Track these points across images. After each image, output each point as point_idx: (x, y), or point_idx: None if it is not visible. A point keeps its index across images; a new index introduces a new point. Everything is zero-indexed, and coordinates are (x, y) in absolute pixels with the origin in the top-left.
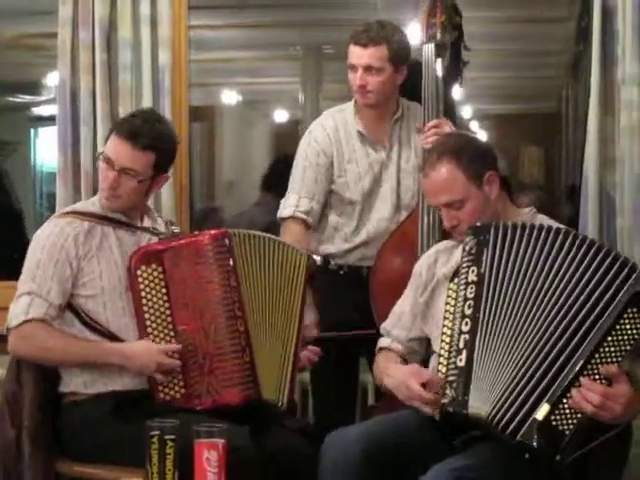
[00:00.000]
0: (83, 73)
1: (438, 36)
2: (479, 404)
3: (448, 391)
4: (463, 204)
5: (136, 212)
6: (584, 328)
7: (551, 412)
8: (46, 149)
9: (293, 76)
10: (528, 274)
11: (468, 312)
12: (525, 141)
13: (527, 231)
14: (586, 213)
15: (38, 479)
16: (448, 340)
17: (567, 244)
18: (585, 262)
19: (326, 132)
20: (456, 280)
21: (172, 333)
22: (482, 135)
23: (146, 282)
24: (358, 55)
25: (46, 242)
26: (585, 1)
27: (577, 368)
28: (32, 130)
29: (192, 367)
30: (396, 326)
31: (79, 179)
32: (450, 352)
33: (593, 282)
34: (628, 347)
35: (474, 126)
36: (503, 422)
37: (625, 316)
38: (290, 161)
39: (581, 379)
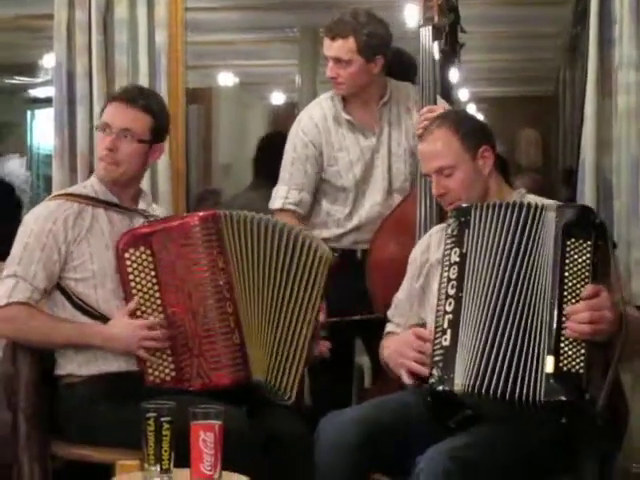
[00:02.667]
0: (79, 54)
1: (435, 19)
2: (465, 381)
3: (435, 371)
4: (454, 172)
5: (129, 194)
6: (548, 280)
7: (557, 360)
8: (43, 131)
9: (290, 58)
10: (502, 250)
11: (451, 292)
12: (522, 124)
13: (502, 210)
14: (583, 195)
15: (34, 461)
16: (435, 321)
17: (522, 216)
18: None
19: (314, 122)
20: (442, 263)
21: (161, 315)
22: (479, 118)
23: (134, 265)
24: (327, 47)
25: (34, 226)
26: None
27: (555, 312)
28: (29, 112)
29: (181, 349)
30: (396, 314)
31: (75, 160)
32: (436, 332)
33: (531, 241)
34: (587, 273)
35: (471, 109)
36: (504, 391)
37: (568, 249)
38: (275, 141)
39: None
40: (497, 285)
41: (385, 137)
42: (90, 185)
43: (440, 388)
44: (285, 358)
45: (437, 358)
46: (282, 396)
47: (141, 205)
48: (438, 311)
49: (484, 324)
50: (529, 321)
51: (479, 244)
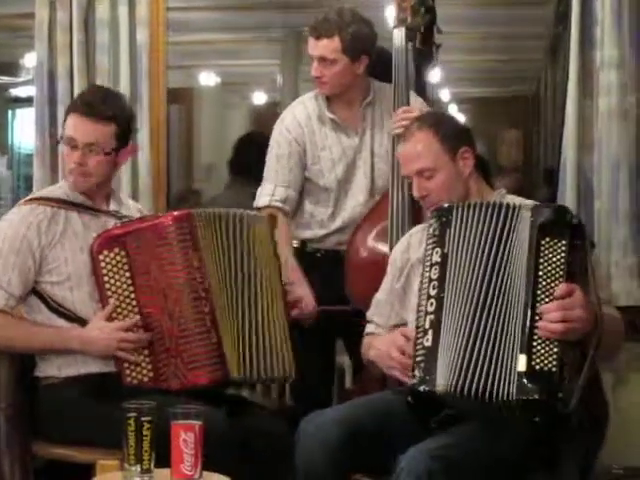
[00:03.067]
0: (61, 54)
1: (408, 20)
2: (446, 381)
3: (416, 372)
4: (434, 174)
5: (101, 195)
6: (523, 279)
7: (529, 359)
8: (24, 131)
9: (272, 58)
10: (482, 250)
11: (433, 293)
12: (504, 124)
13: (482, 210)
14: (564, 195)
15: (15, 461)
16: (416, 322)
17: (500, 216)
18: (500, 225)
19: (297, 120)
20: (424, 263)
21: (137, 317)
22: (460, 118)
23: (109, 267)
24: (312, 47)
25: (7, 232)
26: None
27: (529, 310)
28: (10, 112)
29: (159, 350)
30: (375, 314)
31: (56, 160)
32: (418, 333)
33: (508, 241)
34: (561, 272)
35: (452, 109)
36: (474, 389)
37: (543, 249)
38: (252, 140)
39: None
40: (477, 285)
41: (368, 137)
42: (61, 189)
43: (422, 388)
44: (269, 344)
45: (419, 358)
46: (284, 376)
47: (112, 206)
48: (420, 311)
49: (465, 324)
50: (505, 321)
51: (460, 244)
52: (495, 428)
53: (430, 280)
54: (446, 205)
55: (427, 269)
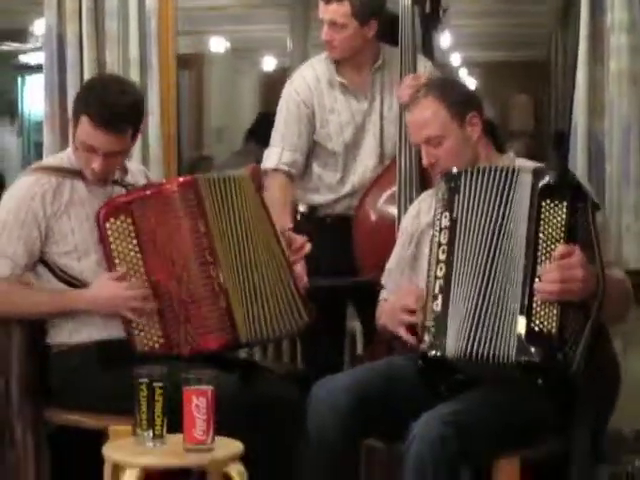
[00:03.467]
0: (70, 20)
1: None
2: (456, 345)
3: (426, 337)
4: (442, 141)
5: None
6: (524, 242)
7: (529, 320)
8: (33, 97)
9: (281, 23)
10: (490, 215)
11: (442, 257)
12: (514, 89)
13: (490, 174)
14: (575, 159)
15: (27, 427)
16: (426, 287)
17: (506, 180)
18: (506, 189)
19: (306, 83)
20: (433, 228)
21: (145, 283)
22: (471, 83)
23: (116, 234)
24: (323, 11)
25: (12, 203)
26: None
27: (529, 272)
28: (19, 78)
29: (168, 316)
30: (388, 282)
31: (66, 126)
32: (427, 298)
33: (512, 204)
34: (562, 233)
35: (463, 74)
36: (483, 352)
37: (543, 211)
38: (273, 115)
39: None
40: (485, 250)
41: (377, 102)
42: (67, 156)
43: (432, 353)
44: (276, 300)
45: (428, 323)
46: (296, 329)
47: (117, 174)
48: (429, 276)
49: (473, 289)
50: (507, 284)
51: (468, 209)
52: (507, 393)
53: (439, 244)
54: (454, 170)
55: (436, 233)
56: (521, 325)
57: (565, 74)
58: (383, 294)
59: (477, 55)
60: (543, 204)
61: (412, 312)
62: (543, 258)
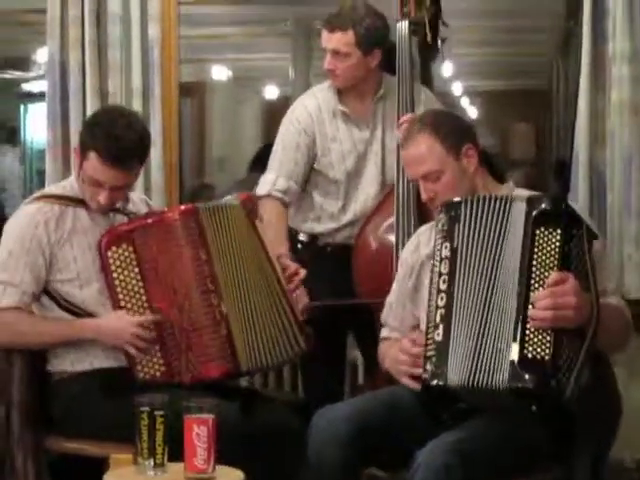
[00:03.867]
0: (72, 49)
1: (412, 13)
2: (457, 375)
3: (428, 366)
4: (440, 176)
5: None
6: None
7: (522, 347)
8: (36, 125)
9: (283, 52)
10: (489, 244)
11: (443, 287)
12: (515, 118)
13: (488, 203)
14: (576, 189)
15: (28, 455)
16: (427, 317)
17: (502, 209)
18: (504, 218)
19: (308, 111)
20: (433, 258)
21: (147, 312)
22: (472, 112)
23: (117, 263)
24: (326, 39)
25: (17, 232)
26: None
27: (522, 299)
28: (22, 106)
29: (170, 344)
30: (389, 316)
31: (68, 154)
32: (428, 327)
33: (511, 231)
34: (555, 261)
35: (464, 103)
36: (482, 381)
37: (537, 239)
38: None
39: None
40: (484, 279)
41: (379, 131)
42: (70, 185)
43: (434, 382)
44: (275, 328)
45: (430, 353)
46: (294, 354)
47: (119, 203)
48: (430, 306)
49: (473, 318)
50: (503, 312)
51: (468, 238)
52: (508, 421)
53: (440, 274)
54: (454, 200)
55: (437, 263)
56: (514, 352)
57: (566, 103)
58: (384, 332)
59: (478, 84)
60: (537, 232)
61: (415, 358)
62: (537, 285)
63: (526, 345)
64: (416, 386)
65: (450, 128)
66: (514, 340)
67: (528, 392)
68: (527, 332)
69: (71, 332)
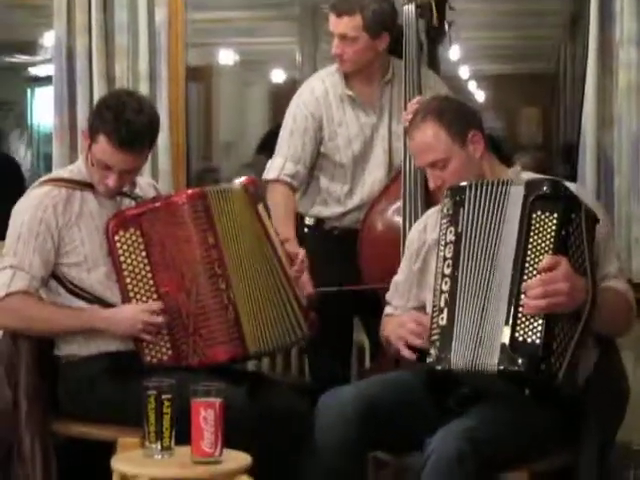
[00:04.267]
0: (79, 33)
1: None
2: (462, 360)
3: (432, 350)
4: (447, 163)
5: None
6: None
7: (513, 330)
8: (43, 110)
9: (290, 36)
10: (493, 228)
11: (447, 271)
12: (523, 101)
13: (494, 187)
14: (584, 173)
15: (35, 438)
16: (432, 301)
17: (504, 192)
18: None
19: (315, 96)
20: (439, 243)
21: (154, 296)
22: (479, 96)
23: (125, 247)
24: (334, 24)
25: (25, 216)
26: None
27: (516, 283)
28: (29, 90)
29: (177, 328)
30: (395, 296)
31: (76, 138)
32: (433, 312)
33: (509, 214)
34: (550, 245)
35: (472, 86)
36: (482, 366)
37: (533, 221)
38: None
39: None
40: (487, 263)
41: (386, 115)
42: (77, 169)
43: (438, 367)
44: (279, 311)
45: (434, 337)
46: (300, 338)
47: (126, 186)
48: (435, 290)
49: (476, 302)
50: (500, 296)
51: (472, 223)
52: (515, 407)
53: (445, 259)
54: (459, 184)
55: (442, 248)
56: (505, 335)
57: (574, 87)
58: (388, 309)
59: (486, 68)
60: (534, 216)
61: (419, 329)
62: (531, 269)
63: (517, 329)
64: (412, 356)
65: (455, 115)
66: (506, 323)
67: (518, 375)
68: (519, 316)
69: (80, 323)
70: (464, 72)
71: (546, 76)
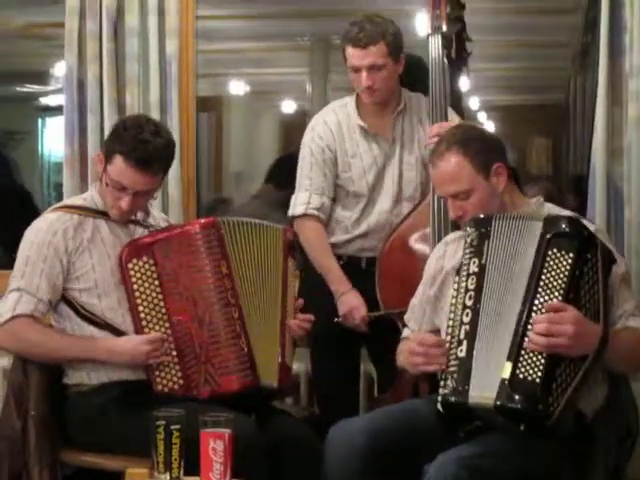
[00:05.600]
0: (90, 62)
1: (444, 28)
2: (480, 393)
3: (449, 382)
4: (469, 195)
5: None
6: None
7: (514, 367)
8: (54, 139)
9: (301, 66)
10: (516, 262)
11: (469, 303)
12: (533, 132)
13: (518, 221)
14: (593, 204)
15: (44, 468)
16: (450, 331)
17: (523, 226)
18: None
19: (329, 128)
20: (460, 272)
21: (167, 324)
22: (490, 126)
23: (138, 275)
24: (360, 57)
25: (34, 239)
26: None
27: (523, 319)
28: (40, 120)
29: (189, 357)
30: (411, 319)
31: (86, 168)
32: (452, 343)
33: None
34: (563, 284)
35: (482, 117)
36: (481, 398)
37: (548, 259)
38: (295, 158)
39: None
40: (507, 297)
41: (398, 145)
42: (90, 197)
43: (453, 399)
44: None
45: (452, 369)
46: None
47: (139, 215)
48: (454, 321)
49: (496, 336)
50: (510, 330)
51: (496, 255)
52: (523, 440)
53: (467, 290)
54: (485, 215)
55: (464, 279)
56: (507, 370)
57: (584, 118)
58: (405, 332)
59: (496, 99)
60: (549, 253)
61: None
62: (540, 307)
63: (519, 365)
64: (431, 368)
65: (480, 146)
66: (508, 359)
67: (515, 412)
68: (522, 352)
69: (82, 353)
70: (474, 103)
71: (556, 107)
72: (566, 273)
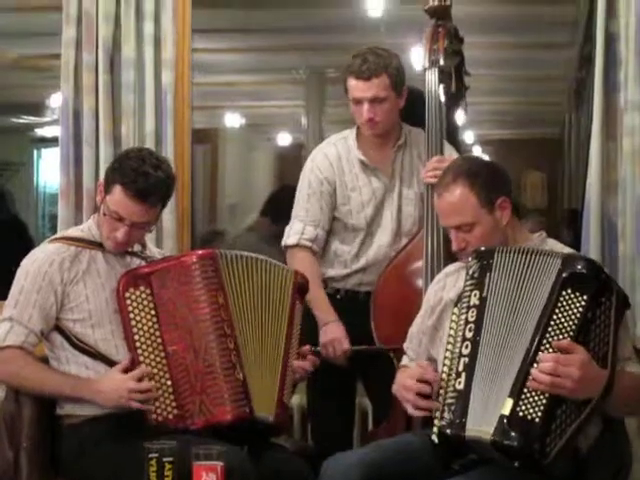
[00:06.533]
0: (86, 94)
1: (441, 62)
2: (477, 427)
3: (446, 414)
4: (473, 227)
5: None
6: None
7: (515, 404)
8: (49, 170)
9: (296, 99)
10: (519, 297)
11: (469, 335)
12: (527, 166)
13: (526, 256)
14: (588, 238)
15: None
16: (448, 363)
17: (537, 263)
18: (535, 274)
19: (329, 161)
20: (459, 304)
21: (162, 354)
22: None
23: (134, 304)
24: (362, 89)
25: (30, 269)
26: (588, 27)
27: (529, 357)
28: (35, 151)
29: (183, 387)
30: (409, 348)
31: (81, 199)
32: (449, 375)
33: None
34: (573, 326)
35: (476, 151)
36: (479, 432)
37: (561, 299)
38: (292, 192)
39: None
40: (509, 331)
41: (397, 180)
42: (87, 228)
43: (449, 432)
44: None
45: (449, 401)
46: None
47: (136, 247)
48: (453, 352)
49: (496, 370)
50: (513, 366)
51: (498, 288)
52: (517, 475)
53: (467, 322)
54: (487, 248)
55: (464, 310)
56: (507, 407)
57: (578, 152)
58: (404, 360)
59: (491, 132)
60: (563, 293)
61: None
62: (547, 346)
63: (520, 402)
64: (419, 414)
65: (486, 179)
66: (510, 395)
67: (511, 449)
68: (524, 390)
69: (68, 391)
70: (469, 137)
71: (551, 141)
72: (578, 315)
